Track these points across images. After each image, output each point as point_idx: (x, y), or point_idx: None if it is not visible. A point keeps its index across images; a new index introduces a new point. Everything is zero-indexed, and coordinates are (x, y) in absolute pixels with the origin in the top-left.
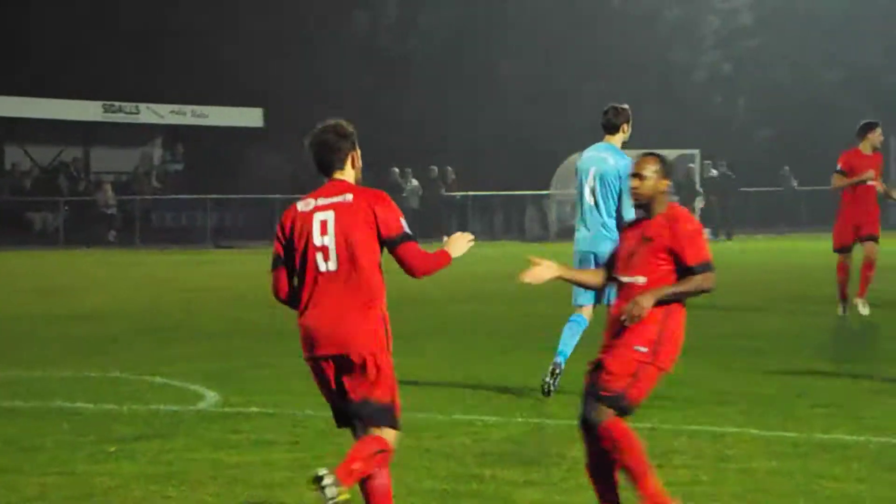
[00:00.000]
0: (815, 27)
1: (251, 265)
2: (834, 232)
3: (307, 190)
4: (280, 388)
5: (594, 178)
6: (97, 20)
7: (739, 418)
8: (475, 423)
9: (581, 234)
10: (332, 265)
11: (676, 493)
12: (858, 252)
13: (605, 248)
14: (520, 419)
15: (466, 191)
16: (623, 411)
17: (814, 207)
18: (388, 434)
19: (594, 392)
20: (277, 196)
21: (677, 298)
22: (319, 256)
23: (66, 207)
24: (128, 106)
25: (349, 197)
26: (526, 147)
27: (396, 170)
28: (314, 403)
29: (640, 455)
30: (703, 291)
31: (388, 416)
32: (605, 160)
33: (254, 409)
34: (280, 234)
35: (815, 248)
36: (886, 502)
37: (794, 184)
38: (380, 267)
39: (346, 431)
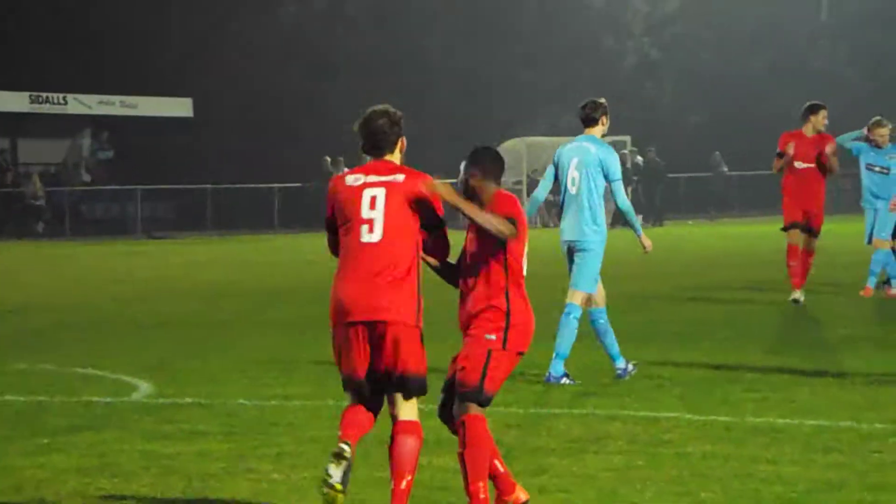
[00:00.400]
0: (739, 13)
1: (183, 256)
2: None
3: (244, 179)
4: (213, 379)
5: (575, 169)
6: (23, 11)
7: (674, 403)
8: None
9: (564, 224)
10: (375, 237)
11: (612, 478)
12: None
13: (587, 237)
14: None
15: None
16: (482, 403)
17: (744, 192)
18: (412, 406)
19: (455, 387)
20: (209, 186)
21: (470, 215)
22: (364, 228)
23: None
24: (55, 97)
25: (400, 177)
26: (459, 136)
27: (328, 159)
28: (248, 394)
29: (485, 459)
30: (496, 231)
31: (417, 387)
32: (587, 150)
33: (187, 399)
34: (329, 204)
35: (746, 232)
36: (819, 484)
37: (725, 169)
38: (417, 245)
39: (281, 420)
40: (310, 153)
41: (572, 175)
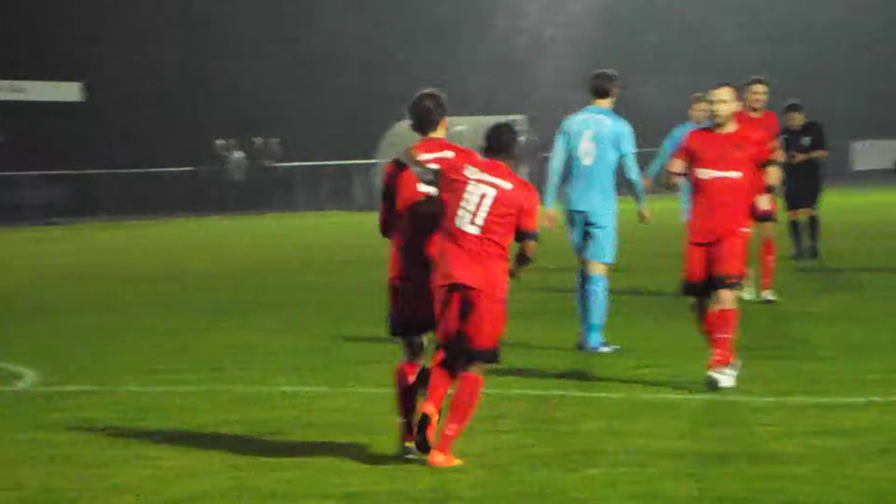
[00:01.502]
0: None
1: (76, 242)
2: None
3: (137, 164)
4: (103, 366)
5: (590, 140)
6: None
7: (562, 381)
8: (300, 394)
9: (574, 194)
10: None
11: (505, 456)
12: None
13: (602, 210)
14: (349, 389)
15: (294, 161)
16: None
17: None
18: None
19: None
20: (103, 171)
21: None
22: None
23: None
24: None
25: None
26: (355, 116)
27: (220, 142)
28: (138, 380)
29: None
30: None
31: None
32: (601, 122)
33: (74, 387)
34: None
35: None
36: (707, 457)
37: None
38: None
39: (171, 405)
40: (202, 137)
41: (585, 147)
